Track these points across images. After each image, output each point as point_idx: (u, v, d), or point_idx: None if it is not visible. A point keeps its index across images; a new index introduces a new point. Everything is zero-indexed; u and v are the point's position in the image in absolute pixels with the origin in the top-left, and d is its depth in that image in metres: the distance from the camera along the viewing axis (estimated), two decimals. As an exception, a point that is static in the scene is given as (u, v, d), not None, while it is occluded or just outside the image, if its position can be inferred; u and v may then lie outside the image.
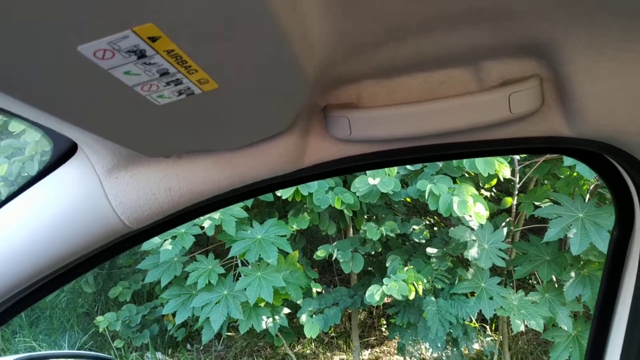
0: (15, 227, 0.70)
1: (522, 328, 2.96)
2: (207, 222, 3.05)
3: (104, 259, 0.79)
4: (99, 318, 3.80)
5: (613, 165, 0.79)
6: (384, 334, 4.70)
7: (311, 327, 3.28)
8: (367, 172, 2.99)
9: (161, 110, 0.46)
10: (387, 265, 3.25)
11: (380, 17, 0.51)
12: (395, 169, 3.01)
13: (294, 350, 4.33)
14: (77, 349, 4.23)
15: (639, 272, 0.85)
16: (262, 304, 3.23)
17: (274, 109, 0.57)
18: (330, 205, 3.11)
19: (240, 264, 3.36)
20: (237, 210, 3.12)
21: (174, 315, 3.41)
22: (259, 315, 3.23)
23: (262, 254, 3.02)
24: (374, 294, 3.00)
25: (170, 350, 4.28)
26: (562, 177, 3.19)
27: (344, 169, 0.74)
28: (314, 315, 3.36)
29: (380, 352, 4.55)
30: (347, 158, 0.70)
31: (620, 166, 0.77)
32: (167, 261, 3.25)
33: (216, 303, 3.10)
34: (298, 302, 3.36)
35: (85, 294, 4.63)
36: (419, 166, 3.20)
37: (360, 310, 4.24)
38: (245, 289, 3.05)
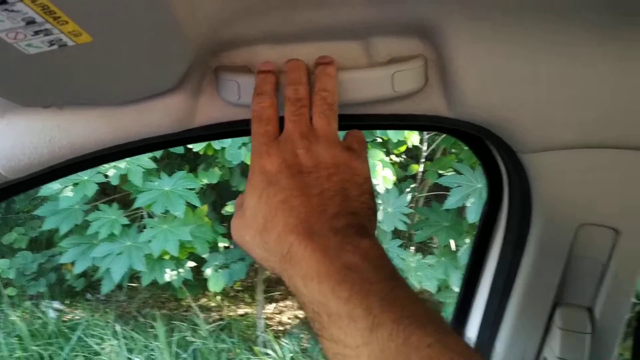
0: None
1: (418, 288, 3.14)
2: (111, 170, 2.94)
3: None
4: (-10, 265, 3.61)
5: (488, 148, 0.84)
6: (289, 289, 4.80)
7: (216, 281, 3.30)
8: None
9: (32, 60, 0.44)
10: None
11: None
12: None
13: (198, 303, 4.34)
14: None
15: (501, 248, 0.93)
16: (167, 257, 3.19)
17: (156, 68, 0.56)
18: (242, 161, 3.09)
19: (147, 216, 3.29)
20: (144, 160, 3.03)
21: (73, 264, 3.30)
22: (163, 267, 3.19)
23: (168, 206, 2.97)
24: (280, 251, 3.04)
25: (69, 300, 4.15)
26: (466, 148, 3.35)
27: (234, 132, 0.74)
28: (219, 270, 3.38)
29: (284, 307, 4.67)
30: (237, 122, 0.70)
31: (495, 149, 0.83)
32: (67, 208, 3.11)
33: (118, 254, 3.02)
34: (204, 256, 3.35)
35: (-24, 239, 4.36)
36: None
37: (267, 266, 4.29)
38: (150, 241, 3.00)
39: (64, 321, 3.87)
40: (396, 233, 3.40)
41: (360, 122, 0.71)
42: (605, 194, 0.78)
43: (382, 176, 2.90)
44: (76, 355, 3.45)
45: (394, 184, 3.10)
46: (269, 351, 3.49)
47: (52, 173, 0.72)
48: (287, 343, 3.55)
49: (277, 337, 3.71)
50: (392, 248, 3.25)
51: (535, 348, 0.94)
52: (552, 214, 0.82)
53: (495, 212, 0.95)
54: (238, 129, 0.71)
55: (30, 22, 0.38)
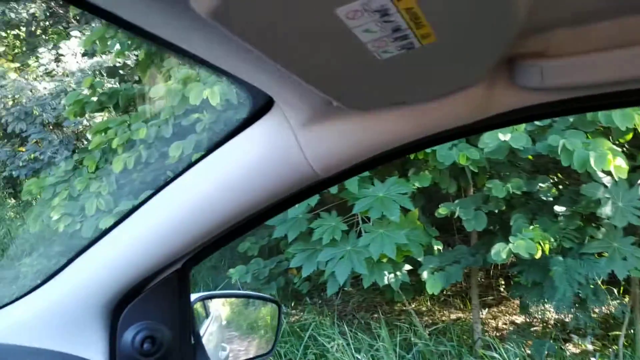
0: (215, 176, 0.78)
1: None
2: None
3: (291, 203, 0.87)
4: (232, 270, 4.09)
5: None
6: (502, 293, 4.64)
7: (433, 284, 3.32)
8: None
9: (380, 65, 0.49)
10: (512, 223, 3.19)
11: None
12: (523, 125, 2.92)
13: (412, 307, 4.41)
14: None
15: None
16: (384, 260, 3.30)
17: (471, 63, 0.59)
18: (451, 163, 3.09)
19: (361, 221, 3.45)
20: (359, 168, 3.20)
21: (298, 269, 3.59)
22: (382, 270, 3.31)
23: (384, 211, 3.08)
24: (500, 252, 2.97)
25: (293, 303, 4.52)
26: None
27: (531, 117, 0.75)
28: (435, 273, 3.39)
29: (498, 312, 4.51)
30: (536, 106, 0.71)
31: None
32: (293, 217, 3.42)
33: (340, 258, 3.21)
34: (419, 259, 3.40)
35: (213, 249, 4.95)
36: (547, 121, 3.07)
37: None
38: (368, 245, 3.14)
39: (292, 322, 4.21)
40: (628, 229, 3.10)
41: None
42: None
43: (615, 166, 2.67)
44: (307, 353, 3.74)
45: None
46: (495, 354, 3.40)
47: (356, 168, 0.81)
48: (512, 346, 3.43)
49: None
50: (624, 246, 2.98)
51: None
52: None
53: None
54: (536, 113, 0.72)
55: (396, 29, 0.41)
